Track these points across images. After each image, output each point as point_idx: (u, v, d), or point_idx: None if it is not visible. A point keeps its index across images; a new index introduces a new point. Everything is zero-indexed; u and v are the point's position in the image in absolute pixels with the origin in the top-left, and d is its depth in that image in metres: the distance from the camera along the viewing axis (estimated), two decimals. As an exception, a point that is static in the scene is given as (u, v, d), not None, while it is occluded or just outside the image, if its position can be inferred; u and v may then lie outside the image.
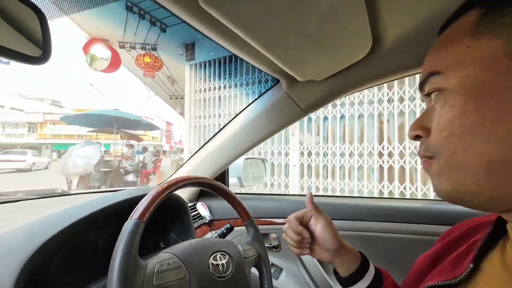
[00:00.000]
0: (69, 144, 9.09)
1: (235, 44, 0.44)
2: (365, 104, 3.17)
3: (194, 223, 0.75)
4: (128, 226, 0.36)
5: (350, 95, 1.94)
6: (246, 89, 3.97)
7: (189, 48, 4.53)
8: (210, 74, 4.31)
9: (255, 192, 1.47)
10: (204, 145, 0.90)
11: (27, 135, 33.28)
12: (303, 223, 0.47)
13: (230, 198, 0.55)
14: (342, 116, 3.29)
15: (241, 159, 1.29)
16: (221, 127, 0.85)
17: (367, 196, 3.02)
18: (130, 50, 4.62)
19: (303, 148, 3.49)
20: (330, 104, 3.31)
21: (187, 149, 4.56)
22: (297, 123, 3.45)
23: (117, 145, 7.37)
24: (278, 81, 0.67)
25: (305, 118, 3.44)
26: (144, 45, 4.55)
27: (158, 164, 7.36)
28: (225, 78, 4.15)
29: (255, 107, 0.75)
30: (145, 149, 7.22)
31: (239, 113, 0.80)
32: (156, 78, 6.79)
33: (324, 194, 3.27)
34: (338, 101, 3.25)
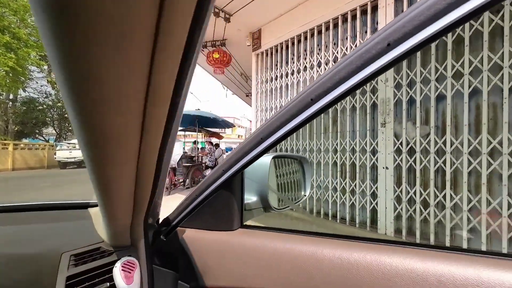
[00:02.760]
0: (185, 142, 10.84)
1: None
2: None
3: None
4: None
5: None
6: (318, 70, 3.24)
7: (256, 37, 4.20)
8: (277, 61, 3.83)
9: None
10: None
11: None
12: None
13: None
14: (474, 92, 2.05)
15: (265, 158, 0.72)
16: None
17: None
18: (203, 50, 4.77)
19: (401, 144, 2.45)
20: (450, 75, 2.14)
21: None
22: (390, 107, 2.46)
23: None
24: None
25: (404, 100, 2.39)
26: (214, 42, 4.58)
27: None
28: (293, 63, 3.55)
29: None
30: (216, 146, 7.61)
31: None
32: (231, 76, 6.95)
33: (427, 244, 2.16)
34: (465, 67, 2.05)
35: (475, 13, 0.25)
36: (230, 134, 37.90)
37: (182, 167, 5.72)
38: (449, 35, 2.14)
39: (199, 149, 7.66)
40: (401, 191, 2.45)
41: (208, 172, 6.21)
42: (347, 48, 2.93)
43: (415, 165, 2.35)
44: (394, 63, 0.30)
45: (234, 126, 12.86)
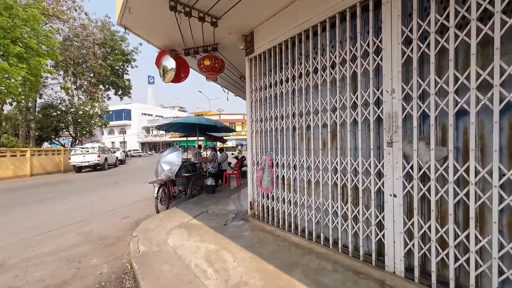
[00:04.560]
0: (188, 141, 10.75)
1: None
2: None
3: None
4: None
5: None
6: (323, 75, 2.85)
7: (248, 39, 3.84)
8: (272, 66, 3.45)
9: None
10: None
11: (165, 135, 44.28)
12: None
13: None
14: (508, 107, 1.61)
15: None
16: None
17: None
18: (195, 56, 4.47)
19: (411, 168, 2.03)
20: (474, 86, 1.70)
21: (250, 159, 3.94)
22: (398, 125, 2.05)
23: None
24: None
25: (414, 115, 1.97)
26: (206, 47, 4.26)
27: (237, 165, 7.32)
28: (288, 69, 3.17)
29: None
30: (220, 150, 7.35)
31: None
32: (230, 79, 6.62)
33: None
34: (494, 76, 1.60)
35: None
36: (240, 131, 37.81)
37: (181, 177, 5.53)
38: (473, 33, 1.68)
39: (201, 154, 7.46)
40: (412, 224, 2.04)
41: (208, 180, 5.98)
42: (346, 52, 2.51)
43: (430, 195, 1.93)
44: None
45: (235, 131, 12.59)
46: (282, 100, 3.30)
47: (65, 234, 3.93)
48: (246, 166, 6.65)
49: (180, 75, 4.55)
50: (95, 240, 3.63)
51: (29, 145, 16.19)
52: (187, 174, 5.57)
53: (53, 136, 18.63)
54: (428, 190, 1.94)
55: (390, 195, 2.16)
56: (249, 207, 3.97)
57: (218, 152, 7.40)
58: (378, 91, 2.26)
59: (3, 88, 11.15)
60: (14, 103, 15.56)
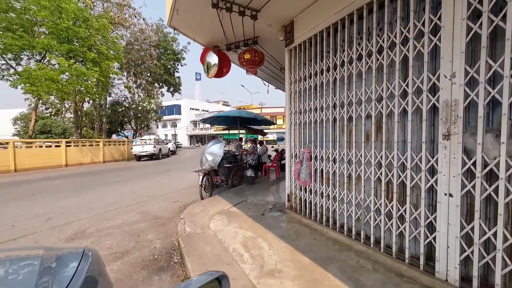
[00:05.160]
0: (230, 134, 11.37)
1: None
2: None
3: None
4: None
5: None
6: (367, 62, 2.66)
7: (288, 30, 3.77)
8: (311, 56, 3.34)
9: None
10: None
11: (210, 129, 47.02)
12: None
13: None
14: None
15: None
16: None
17: None
18: (236, 50, 4.61)
19: (474, 164, 1.75)
20: None
21: (288, 151, 3.92)
22: (458, 114, 1.78)
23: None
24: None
25: (480, 103, 1.68)
26: (246, 41, 4.35)
27: (276, 158, 7.35)
28: (329, 57, 3.02)
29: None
30: (260, 143, 7.45)
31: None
32: (270, 72, 6.62)
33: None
34: None
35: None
36: (281, 124, 37.54)
37: (223, 168, 5.85)
38: None
39: (242, 146, 7.72)
40: (472, 229, 1.78)
41: (248, 172, 6.19)
42: (396, 34, 2.26)
43: (497, 196, 1.65)
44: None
45: (275, 124, 12.52)
46: (322, 91, 3.17)
47: (128, 212, 4.61)
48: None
49: (222, 69, 4.76)
50: (151, 219, 4.17)
51: (102, 136, 19.19)
52: (228, 165, 5.86)
53: (119, 129, 21.67)
54: (496, 190, 1.65)
55: (445, 194, 1.91)
56: (287, 199, 3.99)
57: (258, 145, 7.55)
58: (434, 76, 1.99)
59: (82, 88, 13.41)
60: (91, 101, 18.54)
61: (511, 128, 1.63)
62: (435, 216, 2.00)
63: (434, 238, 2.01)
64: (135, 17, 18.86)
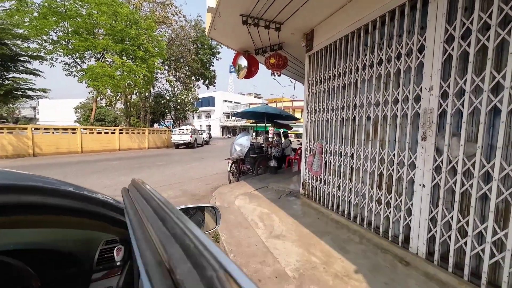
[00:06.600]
0: (258, 127, 12.14)
1: None
2: None
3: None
4: None
5: None
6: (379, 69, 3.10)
7: (309, 38, 4.26)
8: (328, 62, 3.81)
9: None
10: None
11: (241, 121, 48.05)
12: None
13: None
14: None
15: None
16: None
17: None
18: (263, 54, 5.23)
19: (441, 161, 2.17)
20: (508, 85, 1.74)
21: (304, 145, 4.48)
22: (432, 120, 2.21)
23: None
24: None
25: (449, 112, 2.09)
26: (272, 46, 4.93)
27: (299, 151, 7.86)
28: (341, 64, 3.47)
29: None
30: (285, 136, 8.01)
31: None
32: (295, 71, 7.09)
33: None
34: (528, 78, 1.62)
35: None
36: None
37: (249, 158, 6.62)
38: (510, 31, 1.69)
39: (268, 139, 8.38)
40: (437, 213, 2.22)
41: (271, 162, 6.86)
42: (392, 49, 2.67)
43: (455, 187, 2.07)
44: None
45: (299, 119, 12.79)
46: (333, 94, 3.66)
47: (171, 189, 5.68)
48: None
49: (251, 70, 5.44)
50: (189, 195, 5.15)
51: (146, 125, 21.59)
52: (254, 155, 6.61)
53: (161, 119, 24.00)
54: (455, 183, 2.08)
55: (420, 185, 2.36)
56: (301, 187, 4.59)
57: (282, 138, 8.15)
58: (418, 88, 2.39)
59: (132, 83, 15.35)
60: (138, 94, 20.91)
61: (469, 134, 2.02)
62: (412, 203, 2.45)
63: (411, 221, 2.47)
64: (176, 14, 20.41)
